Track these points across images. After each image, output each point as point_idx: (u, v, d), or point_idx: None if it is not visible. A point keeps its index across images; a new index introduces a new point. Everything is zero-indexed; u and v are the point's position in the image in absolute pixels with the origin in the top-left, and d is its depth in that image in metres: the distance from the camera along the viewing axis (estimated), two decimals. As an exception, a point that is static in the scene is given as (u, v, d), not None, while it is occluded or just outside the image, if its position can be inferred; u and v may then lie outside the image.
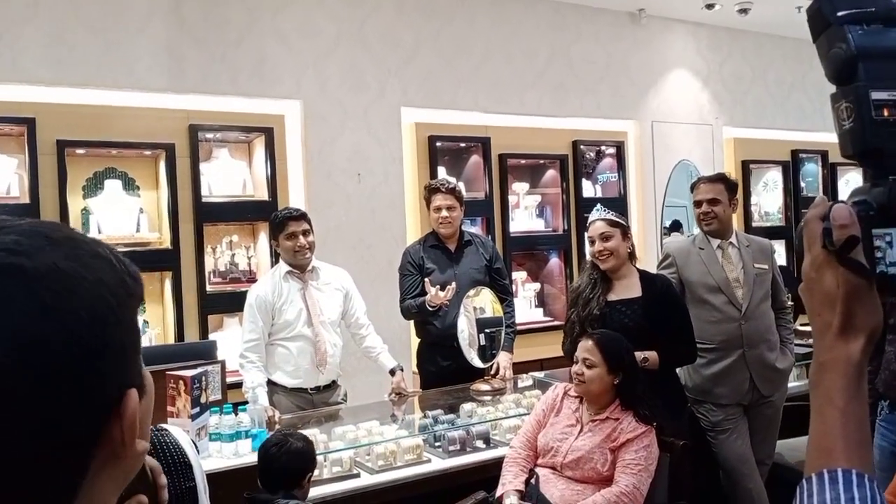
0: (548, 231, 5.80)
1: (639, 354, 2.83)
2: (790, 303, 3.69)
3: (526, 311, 5.55)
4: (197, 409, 2.73)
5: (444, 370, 3.78)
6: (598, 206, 3.29)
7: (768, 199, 7.10)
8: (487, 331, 3.72)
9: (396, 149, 5.08)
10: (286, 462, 2.32)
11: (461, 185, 4.20)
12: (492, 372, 3.74)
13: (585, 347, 2.72)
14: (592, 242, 3.17)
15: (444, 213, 3.79)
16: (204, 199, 4.42)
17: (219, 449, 2.79)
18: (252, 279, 4.43)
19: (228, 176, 4.63)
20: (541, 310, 5.78)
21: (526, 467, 2.73)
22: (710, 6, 6.10)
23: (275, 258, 3.93)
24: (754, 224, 6.75)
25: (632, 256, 3.18)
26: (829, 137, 7.24)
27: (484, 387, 3.63)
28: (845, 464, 0.67)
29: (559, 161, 5.74)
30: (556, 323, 5.43)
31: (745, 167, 6.76)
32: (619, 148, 6.07)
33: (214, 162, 4.62)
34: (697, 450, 3.09)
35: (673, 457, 2.71)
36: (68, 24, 4.12)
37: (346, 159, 4.89)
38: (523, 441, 2.79)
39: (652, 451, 2.61)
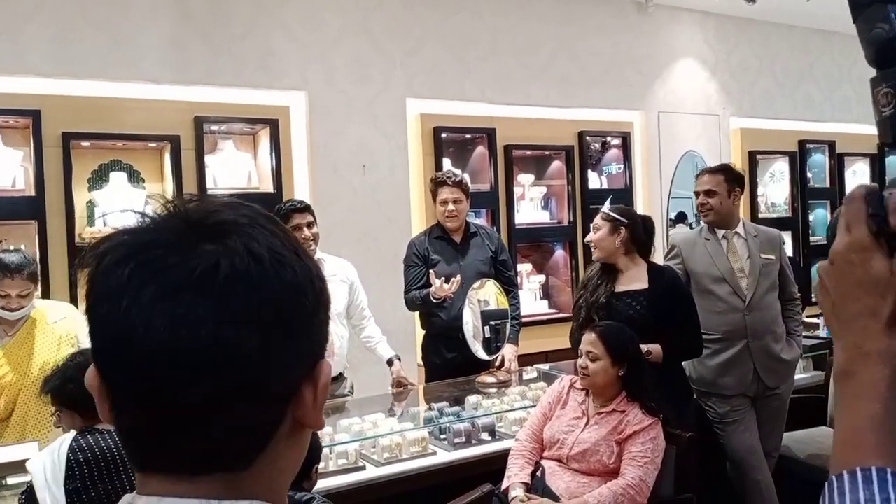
0: (553, 223, 5.78)
1: (642, 347, 2.83)
2: (798, 294, 3.68)
3: (531, 303, 5.54)
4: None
5: (449, 362, 3.78)
6: (610, 198, 3.35)
7: (775, 189, 7.06)
8: (492, 323, 3.71)
9: (402, 140, 5.06)
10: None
11: (467, 177, 4.18)
12: (497, 364, 3.73)
13: (589, 340, 2.72)
14: None
15: (451, 206, 3.78)
16: (209, 192, 4.41)
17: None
18: (257, 271, 4.42)
19: (233, 168, 4.62)
20: (546, 302, 5.77)
21: (532, 460, 2.73)
22: (717, -5, 6.06)
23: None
24: (761, 215, 6.73)
25: (642, 250, 3.20)
26: (836, 128, 7.20)
27: (489, 379, 3.62)
28: (879, 461, 0.64)
29: (565, 152, 5.72)
30: (561, 315, 5.43)
31: (752, 157, 6.72)
32: (625, 139, 6.03)
33: (219, 154, 4.61)
34: (704, 442, 3.08)
35: (679, 449, 2.70)
36: (74, 17, 4.11)
37: (351, 151, 4.87)
38: (529, 433, 2.79)
39: (658, 443, 2.61)
